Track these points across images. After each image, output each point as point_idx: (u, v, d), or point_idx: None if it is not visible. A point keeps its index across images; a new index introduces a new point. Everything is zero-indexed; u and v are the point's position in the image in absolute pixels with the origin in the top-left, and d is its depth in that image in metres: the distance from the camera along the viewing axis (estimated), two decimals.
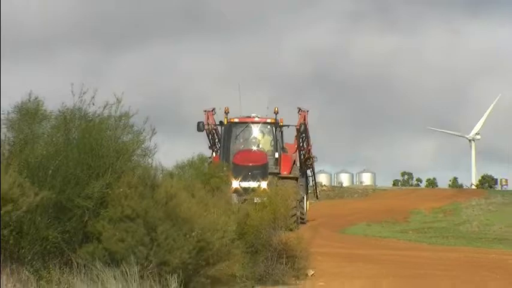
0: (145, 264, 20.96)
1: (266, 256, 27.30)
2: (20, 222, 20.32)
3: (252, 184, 45.05)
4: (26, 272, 20.02)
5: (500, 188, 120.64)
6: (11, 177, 20.05)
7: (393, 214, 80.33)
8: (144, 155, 23.99)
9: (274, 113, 50.34)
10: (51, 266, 20.56)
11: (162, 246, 21.28)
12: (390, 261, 37.93)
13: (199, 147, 48.75)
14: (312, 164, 51.77)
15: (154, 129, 24.05)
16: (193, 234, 22.00)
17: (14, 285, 19.71)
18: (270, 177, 47.77)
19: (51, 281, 20.11)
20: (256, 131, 49.93)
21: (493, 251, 48.21)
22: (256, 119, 50.23)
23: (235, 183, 46.01)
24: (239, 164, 47.60)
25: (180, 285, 21.10)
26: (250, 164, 47.82)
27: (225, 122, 50.00)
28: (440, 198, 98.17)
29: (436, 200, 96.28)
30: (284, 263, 28.03)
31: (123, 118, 23.39)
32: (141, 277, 20.57)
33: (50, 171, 21.33)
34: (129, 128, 23.54)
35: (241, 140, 50.34)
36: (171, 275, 21.03)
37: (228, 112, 50.44)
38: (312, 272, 29.47)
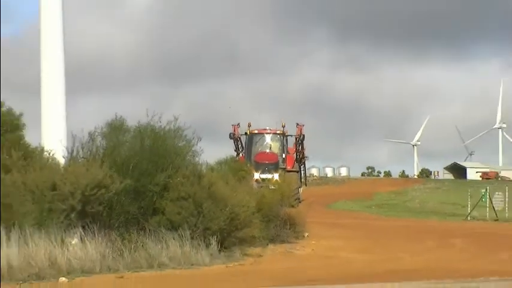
0: (194, 229, 21.28)
1: (276, 224, 27.81)
2: (110, 201, 20.79)
3: (268, 175, 45.17)
4: (114, 235, 20.36)
5: (433, 177, 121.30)
6: (103, 171, 20.85)
7: (362, 195, 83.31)
8: (193, 155, 24.13)
9: (282, 126, 50.30)
10: (131, 231, 20.82)
11: (205, 217, 21.70)
12: (360, 227, 39.68)
13: (229, 150, 49.03)
14: (304, 162, 51.46)
15: (199, 138, 24.31)
16: (227, 209, 22.39)
17: (106, 244, 19.90)
18: (279, 170, 47.03)
19: (131, 241, 20.38)
20: (269, 139, 49.96)
21: (429, 220, 50.34)
22: (269, 131, 50.31)
23: (256, 175, 45.40)
24: (259, 162, 47.43)
25: (218, 244, 21.64)
26: (267, 162, 47.80)
27: (248, 133, 49.78)
28: (393, 184, 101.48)
29: (391, 185, 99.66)
30: (288, 228, 28.78)
31: (179, 131, 23.69)
32: (192, 238, 20.97)
33: (130, 167, 21.71)
34: (183, 137, 23.80)
35: (259, 145, 49.97)
36: (212, 236, 21.57)
37: (250, 126, 50.23)
38: (307, 234, 29.96)
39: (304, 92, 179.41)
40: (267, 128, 50.82)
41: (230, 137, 50.69)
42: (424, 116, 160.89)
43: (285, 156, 49.63)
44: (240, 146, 50.93)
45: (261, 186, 42.26)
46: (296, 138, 50.27)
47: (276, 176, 45.36)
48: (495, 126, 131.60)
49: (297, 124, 50.90)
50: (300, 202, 45.78)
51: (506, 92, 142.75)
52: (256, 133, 50.06)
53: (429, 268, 19.88)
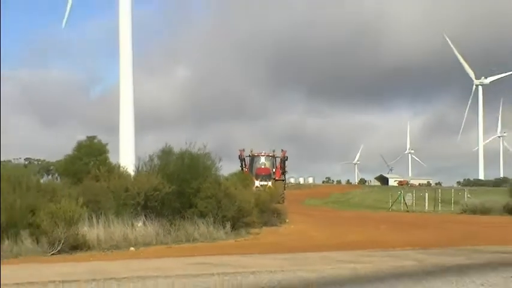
0: (215, 217, 21.22)
1: (267, 213, 27.80)
2: (162, 199, 20.81)
3: (264, 183, 45.79)
4: (164, 221, 20.32)
5: (367, 184, 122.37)
6: (158, 180, 21.03)
7: (322, 195, 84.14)
8: (215, 170, 24.08)
9: (272, 151, 51.74)
10: (175, 218, 20.78)
11: (223, 209, 21.70)
12: (321, 216, 39.91)
13: (237, 166, 49.80)
14: (285, 174, 52.69)
15: (220, 158, 24.46)
16: (236, 204, 22.38)
17: (159, 226, 19.99)
18: (271, 180, 48.18)
19: (175, 224, 20.33)
20: (263, 159, 50.75)
21: (365, 212, 50.78)
22: (263, 154, 51.27)
23: (257, 183, 46.01)
24: (258, 174, 48.44)
25: (230, 226, 21.63)
26: (263, 174, 48.56)
27: (251, 155, 50.98)
28: (342, 189, 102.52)
29: (340, 189, 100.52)
30: (275, 216, 28.88)
31: (206, 154, 23.71)
32: (214, 222, 20.94)
33: (175, 177, 21.79)
34: (209, 158, 23.76)
35: (258, 163, 50.57)
36: (227, 221, 21.56)
37: (252, 151, 51.40)
38: (288, 220, 30.00)
39: (286, 129, 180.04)
40: (263, 152, 51.50)
41: (239, 158, 51.28)
42: (361, 144, 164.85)
43: (275, 170, 50.21)
44: (244, 164, 51.49)
45: (259, 190, 44.17)
46: (281, 159, 51.00)
47: (269, 183, 46.16)
48: (406, 152, 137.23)
49: (282, 150, 51.73)
50: (284, 200, 45.70)
51: (412, 130, 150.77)
52: (256, 155, 50.74)
53: (365, 241, 19.93)
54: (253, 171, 49.60)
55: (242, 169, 50.86)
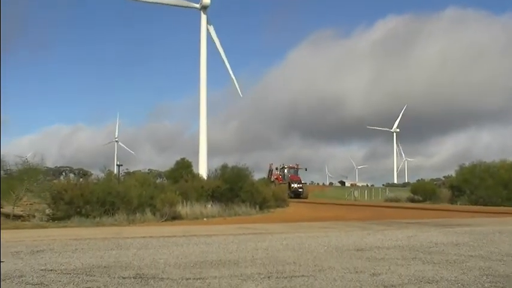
0: (250, 202, 20.90)
1: (279, 201, 26.45)
2: (221, 192, 20.46)
3: (298, 185, 43.55)
4: (223, 204, 19.71)
5: (334, 185, 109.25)
6: (219, 181, 21.06)
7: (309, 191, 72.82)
8: (251, 176, 23.53)
9: (296, 164, 47.79)
10: (228, 203, 20.18)
11: (255, 198, 21.45)
12: (308, 203, 34.68)
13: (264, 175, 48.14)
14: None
15: (253, 170, 24.23)
16: (262, 195, 22.19)
17: (220, 207, 19.34)
18: (303, 183, 45.23)
19: (229, 206, 19.81)
20: (292, 170, 46.59)
21: (333, 200, 43.01)
22: (289, 165, 46.80)
23: (295, 185, 43.04)
24: (293, 179, 44.19)
25: (259, 207, 21.33)
26: (296, 179, 44.46)
27: (281, 167, 46.82)
28: (321, 188, 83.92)
29: (320, 188, 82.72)
30: (284, 202, 27.33)
31: (246, 168, 23.20)
32: (249, 205, 20.58)
33: (229, 180, 21.34)
34: (247, 170, 23.21)
35: (287, 172, 45.93)
36: (257, 204, 21.22)
37: (282, 164, 47.54)
38: (289, 205, 27.90)
39: (289, 155, 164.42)
40: (289, 164, 47.49)
41: (269, 168, 47.95)
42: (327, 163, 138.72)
43: (298, 177, 46.11)
44: (270, 173, 47.87)
45: (295, 190, 42.48)
46: (295, 169, 47.34)
47: (301, 185, 44.02)
48: (355, 168, 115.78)
49: (297, 164, 48.40)
50: (307, 195, 43.93)
51: (358, 156, 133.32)
52: (284, 167, 46.85)
53: (332, 217, 18.97)
54: (286, 178, 44.99)
55: (269, 176, 47.05)
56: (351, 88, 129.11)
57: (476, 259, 6.70)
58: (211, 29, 29.71)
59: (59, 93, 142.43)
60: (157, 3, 29.38)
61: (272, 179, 45.63)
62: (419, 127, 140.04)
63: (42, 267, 5.83)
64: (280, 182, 43.33)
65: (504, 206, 29.06)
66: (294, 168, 46.55)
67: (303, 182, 45.50)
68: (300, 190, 42.78)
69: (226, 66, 30.20)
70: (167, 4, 29.52)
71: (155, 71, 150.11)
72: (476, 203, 31.10)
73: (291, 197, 38.57)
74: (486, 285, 4.95)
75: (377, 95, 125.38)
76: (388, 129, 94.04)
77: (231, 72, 30.86)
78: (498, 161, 34.64)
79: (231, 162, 25.56)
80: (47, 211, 15.06)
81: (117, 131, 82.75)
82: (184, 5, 29.75)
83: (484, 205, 29.87)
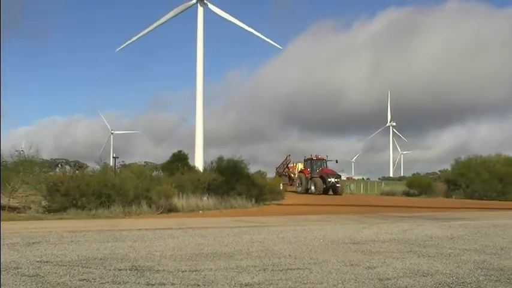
0: (247, 195, 20.58)
1: (275, 194, 25.38)
2: (217, 185, 20.15)
3: (334, 179, 35.29)
4: (219, 196, 19.59)
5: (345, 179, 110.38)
6: (215, 174, 20.74)
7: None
8: (247, 168, 23.33)
9: (326, 155, 38.63)
10: (224, 195, 19.92)
11: (251, 190, 21.11)
12: (303, 196, 33.35)
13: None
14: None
15: (249, 162, 23.58)
16: (258, 188, 21.86)
17: (215, 199, 19.05)
18: (339, 177, 37.27)
19: (224, 198, 19.60)
20: (319, 162, 37.59)
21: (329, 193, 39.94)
22: (316, 157, 37.81)
23: (332, 179, 35.46)
24: (327, 173, 36.14)
25: (255, 200, 20.74)
26: (329, 173, 36.30)
27: (314, 158, 37.58)
28: None
29: None
30: (279, 195, 26.26)
31: (242, 160, 22.93)
32: (245, 198, 20.29)
33: (225, 172, 21.06)
34: (243, 163, 22.90)
35: (315, 165, 37.49)
36: (253, 197, 20.73)
37: (312, 155, 38.22)
38: (285, 198, 26.95)
39: (287, 147, 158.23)
40: (317, 155, 38.31)
41: (284, 161, 42.43)
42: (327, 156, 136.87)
43: (322, 169, 37.52)
44: (283, 165, 41.98)
45: (332, 184, 35.22)
46: (324, 160, 38.71)
47: (338, 180, 36.15)
48: (351, 161, 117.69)
49: (326, 156, 39.52)
50: (342, 191, 36.50)
51: (356, 149, 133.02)
52: (315, 159, 37.99)
53: (327, 209, 18.79)
54: (315, 171, 37.05)
55: (282, 168, 41.69)
56: (350, 80, 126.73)
57: (471, 252, 6.72)
58: (214, 7, 27.56)
59: (55, 83, 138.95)
60: (160, 24, 27.58)
61: (286, 173, 40.52)
62: (418, 120, 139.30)
63: (38, 259, 5.85)
64: (307, 175, 36.97)
65: (499, 200, 29.23)
66: (323, 160, 38.71)
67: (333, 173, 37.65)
68: (338, 185, 35.43)
69: (247, 30, 27.65)
70: (168, 19, 27.74)
71: (154, 61, 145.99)
72: (471, 197, 31.21)
73: (320, 193, 34.27)
74: (481, 278, 4.95)
75: (376, 88, 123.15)
76: (383, 126, 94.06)
77: (256, 33, 27.90)
78: (494, 155, 34.87)
79: (228, 153, 24.98)
80: (43, 203, 14.98)
81: (108, 125, 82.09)
82: (182, 9, 28.20)
83: (479, 199, 29.94)
